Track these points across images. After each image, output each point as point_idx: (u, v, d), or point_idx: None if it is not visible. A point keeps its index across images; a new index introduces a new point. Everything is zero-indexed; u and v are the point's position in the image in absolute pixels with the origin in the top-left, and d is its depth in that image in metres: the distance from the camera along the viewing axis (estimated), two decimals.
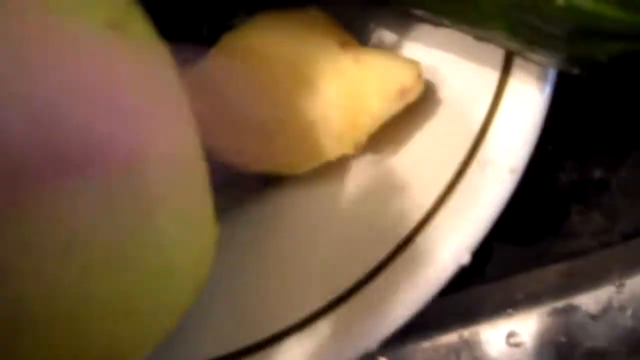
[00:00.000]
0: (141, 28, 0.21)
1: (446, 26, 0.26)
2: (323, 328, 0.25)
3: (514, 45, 0.25)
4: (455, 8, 0.24)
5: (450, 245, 0.25)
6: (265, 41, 0.28)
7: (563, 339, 0.31)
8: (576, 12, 0.21)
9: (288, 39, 0.27)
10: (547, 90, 0.26)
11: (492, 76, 0.27)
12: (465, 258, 0.25)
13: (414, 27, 0.29)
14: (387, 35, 0.30)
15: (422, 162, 0.27)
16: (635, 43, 0.21)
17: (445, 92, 0.28)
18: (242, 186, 0.29)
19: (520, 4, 0.22)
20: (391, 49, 0.29)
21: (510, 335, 0.31)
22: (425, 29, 0.29)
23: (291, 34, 0.27)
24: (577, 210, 0.33)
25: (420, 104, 0.27)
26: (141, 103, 0.19)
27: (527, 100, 0.26)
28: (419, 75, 0.27)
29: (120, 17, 0.20)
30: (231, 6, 0.29)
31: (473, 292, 0.31)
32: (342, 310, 0.25)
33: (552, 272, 0.32)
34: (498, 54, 0.27)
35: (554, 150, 0.32)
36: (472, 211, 0.25)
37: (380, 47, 0.29)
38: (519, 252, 0.32)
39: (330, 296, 0.25)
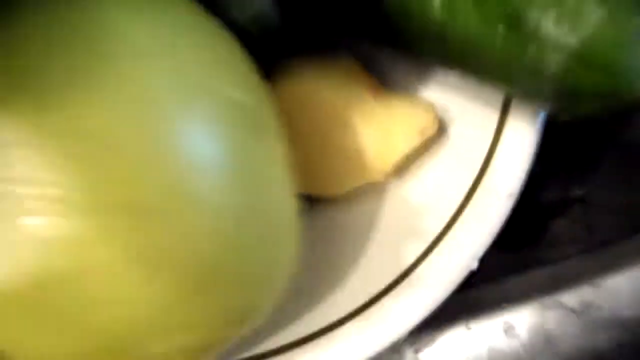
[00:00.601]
0: None
1: (455, 73, 0.29)
2: (362, 323, 0.28)
3: (512, 93, 0.28)
4: (465, 66, 0.27)
5: (464, 254, 0.27)
6: (305, 89, 0.30)
7: (550, 330, 0.33)
8: (569, 77, 0.24)
9: (325, 87, 0.29)
10: (539, 127, 0.28)
11: (494, 115, 0.29)
12: (474, 264, 0.28)
13: (428, 72, 0.31)
14: (404, 78, 0.32)
15: (438, 186, 0.30)
16: (612, 99, 0.24)
17: (455, 128, 0.30)
18: None
19: (524, 68, 0.24)
20: (410, 91, 0.31)
21: (507, 326, 0.33)
22: (437, 74, 0.31)
23: (327, 83, 0.30)
24: (560, 222, 0.35)
25: (435, 139, 0.30)
26: None
27: (523, 135, 0.28)
28: (435, 117, 0.29)
29: None
30: (270, 52, 0.29)
31: (475, 291, 0.33)
32: (383, 302, 0.27)
33: (540, 274, 0.34)
34: (498, 97, 0.29)
35: (540, 171, 0.31)
36: (479, 227, 0.28)
37: (398, 87, 0.31)
38: (512, 258, 0.34)
39: (364, 299, 0.28)
